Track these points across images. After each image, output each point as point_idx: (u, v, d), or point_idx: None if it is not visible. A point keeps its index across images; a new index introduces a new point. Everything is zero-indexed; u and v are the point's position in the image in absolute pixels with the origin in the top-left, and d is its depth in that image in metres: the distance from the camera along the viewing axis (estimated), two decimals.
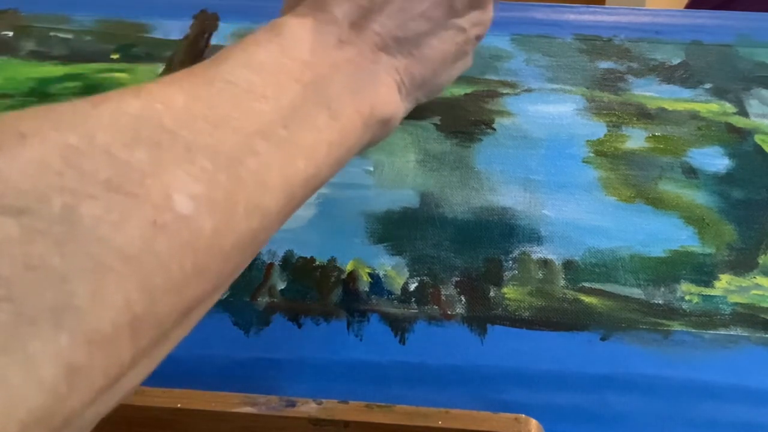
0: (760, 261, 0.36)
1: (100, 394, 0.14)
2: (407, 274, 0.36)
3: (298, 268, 0.36)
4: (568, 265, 0.36)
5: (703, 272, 0.36)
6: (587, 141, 0.43)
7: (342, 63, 0.23)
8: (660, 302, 0.35)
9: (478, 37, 0.29)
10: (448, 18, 0.26)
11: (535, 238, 0.37)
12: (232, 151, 0.18)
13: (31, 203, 0.14)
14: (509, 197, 0.40)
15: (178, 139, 0.17)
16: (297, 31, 0.22)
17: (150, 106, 0.17)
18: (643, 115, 0.45)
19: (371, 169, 0.41)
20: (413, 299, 0.35)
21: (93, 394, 0.14)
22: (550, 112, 0.45)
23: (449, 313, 0.34)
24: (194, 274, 0.16)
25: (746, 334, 0.33)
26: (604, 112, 0.45)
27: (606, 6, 0.57)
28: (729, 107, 0.46)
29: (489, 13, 0.29)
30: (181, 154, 0.16)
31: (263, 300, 0.35)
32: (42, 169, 0.14)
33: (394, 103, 0.25)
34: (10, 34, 0.48)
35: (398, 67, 0.25)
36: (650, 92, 0.47)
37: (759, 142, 0.43)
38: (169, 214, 0.15)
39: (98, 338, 0.14)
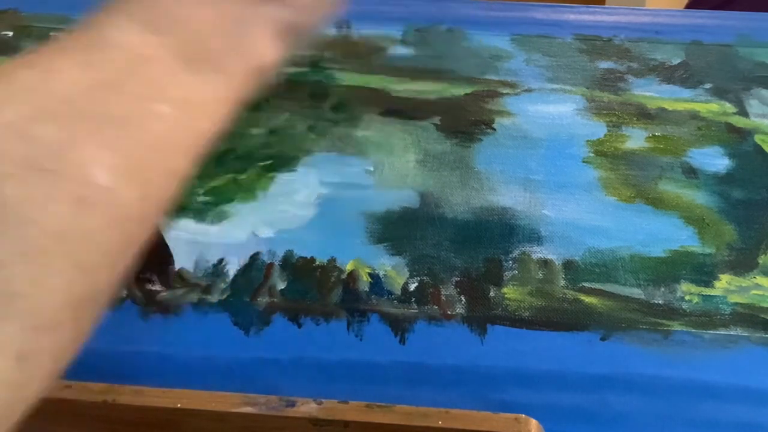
0: (760, 261, 0.36)
1: (51, 377, 0.14)
2: (407, 274, 0.36)
3: (298, 268, 0.36)
4: (568, 265, 0.36)
5: (703, 272, 0.36)
6: (587, 141, 0.43)
7: (219, 17, 0.22)
8: (660, 302, 0.35)
9: None
10: None
11: (535, 238, 0.37)
12: (137, 117, 0.17)
13: None
14: (509, 197, 0.39)
15: (83, 110, 0.16)
16: None
17: (46, 78, 0.16)
18: (643, 115, 0.45)
19: (371, 169, 0.41)
20: (413, 299, 0.35)
21: (45, 379, 0.14)
22: (550, 112, 0.45)
23: (449, 313, 0.34)
24: (127, 245, 0.16)
25: (746, 334, 0.33)
26: (604, 112, 0.45)
27: (606, 6, 0.57)
28: (729, 107, 0.46)
29: None
30: (89, 126, 0.16)
31: (263, 300, 0.35)
32: None
33: (275, 51, 0.25)
34: (10, 34, 0.48)
35: (275, 18, 0.25)
36: (650, 92, 0.47)
37: (759, 142, 0.43)
38: (90, 187, 0.15)
39: (43, 323, 0.14)
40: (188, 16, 0.21)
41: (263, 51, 0.24)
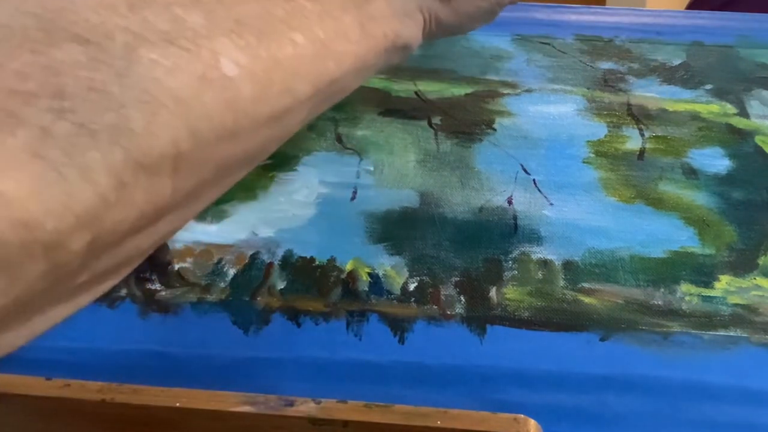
0: (760, 262, 0.36)
1: (137, 221, 0.15)
2: (407, 274, 0.36)
3: (297, 268, 0.36)
4: (568, 266, 0.36)
5: (703, 273, 0.36)
6: (588, 141, 0.43)
7: None
8: (660, 303, 0.35)
9: (512, 2, 0.31)
10: None
11: (535, 238, 0.37)
12: (275, 35, 0.19)
13: (99, 36, 0.15)
14: (509, 197, 0.39)
15: (231, 12, 0.18)
16: None
17: None
18: (644, 115, 0.45)
19: (371, 169, 0.41)
20: (413, 299, 0.35)
21: (133, 217, 0.15)
22: (550, 112, 0.45)
23: (449, 313, 0.34)
24: (231, 132, 0.17)
25: (746, 335, 0.33)
26: (605, 112, 0.45)
27: (607, 6, 0.57)
28: (730, 108, 0.46)
29: None
30: (231, 26, 0.18)
31: (263, 299, 0.35)
32: (110, 10, 0.16)
33: (415, 37, 0.27)
34: None
35: (430, 8, 0.27)
36: (651, 93, 0.47)
37: (759, 143, 0.43)
38: (216, 72, 0.17)
39: (146, 162, 0.15)
40: None
41: (409, 32, 0.26)
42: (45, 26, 0.15)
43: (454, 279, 0.35)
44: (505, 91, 0.47)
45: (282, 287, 0.35)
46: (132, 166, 0.15)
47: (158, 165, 0.15)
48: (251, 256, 0.37)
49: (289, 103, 0.20)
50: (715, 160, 0.42)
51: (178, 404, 0.27)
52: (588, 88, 0.47)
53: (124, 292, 0.35)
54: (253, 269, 0.36)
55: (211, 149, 0.17)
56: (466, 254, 0.37)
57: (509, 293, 0.35)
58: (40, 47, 0.15)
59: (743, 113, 0.45)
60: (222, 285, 0.35)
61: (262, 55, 0.19)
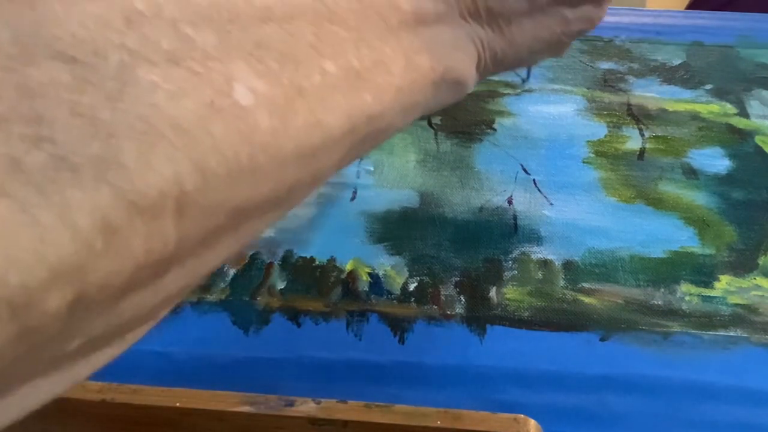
0: (760, 262, 0.36)
1: (135, 274, 0.13)
2: (407, 274, 0.36)
3: (297, 268, 0.36)
4: (568, 266, 0.36)
5: (703, 273, 0.36)
6: (588, 141, 0.43)
7: (431, 17, 0.22)
8: (660, 303, 0.34)
9: (581, 32, 0.28)
10: (553, 4, 0.25)
11: (535, 238, 0.37)
12: (301, 62, 0.17)
13: (87, 55, 0.13)
14: (509, 197, 0.39)
15: (249, 33, 0.16)
16: None
17: None
18: (644, 115, 0.45)
19: (371, 169, 0.41)
20: (413, 299, 0.35)
21: (128, 270, 0.13)
22: (550, 112, 0.45)
23: (449, 313, 0.34)
24: (250, 169, 0.15)
25: (746, 335, 0.33)
26: (605, 112, 0.45)
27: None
28: (730, 108, 0.46)
29: (602, 11, 0.27)
30: (249, 48, 0.16)
31: (263, 299, 0.35)
32: (103, 25, 0.14)
33: (469, 72, 0.24)
34: None
35: (483, 39, 0.24)
36: (651, 93, 0.47)
37: (759, 143, 0.43)
38: (228, 100, 0.15)
39: (141, 202, 0.13)
40: (410, 12, 0.21)
41: (461, 65, 0.23)
42: (21, 40, 0.13)
43: (454, 279, 0.35)
44: (505, 91, 0.47)
45: (282, 287, 0.35)
46: (124, 207, 0.12)
47: (158, 207, 0.13)
48: (251, 256, 0.37)
49: (318, 139, 0.17)
50: (715, 160, 0.42)
51: (178, 404, 0.27)
52: (588, 88, 0.47)
53: None
54: (253, 269, 0.36)
55: (224, 189, 0.14)
56: (466, 254, 0.37)
57: (509, 293, 0.35)
58: (12, 64, 0.12)
59: (743, 113, 0.45)
60: (222, 285, 0.35)
61: (284, 83, 0.16)
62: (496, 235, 0.37)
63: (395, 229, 0.38)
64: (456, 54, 0.23)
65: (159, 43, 0.14)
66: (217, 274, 0.36)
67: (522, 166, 0.41)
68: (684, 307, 0.34)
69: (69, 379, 0.15)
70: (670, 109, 0.46)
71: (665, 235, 0.37)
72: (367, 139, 0.19)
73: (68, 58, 0.13)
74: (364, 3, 0.20)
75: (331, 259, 0.36)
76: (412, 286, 0.35)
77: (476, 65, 0.24)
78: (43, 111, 0.12)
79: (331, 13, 0.19)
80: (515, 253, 0.37)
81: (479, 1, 0.24)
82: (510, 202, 0.39)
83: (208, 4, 0.16)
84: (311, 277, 0.36)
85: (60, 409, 0.28)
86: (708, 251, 0.37)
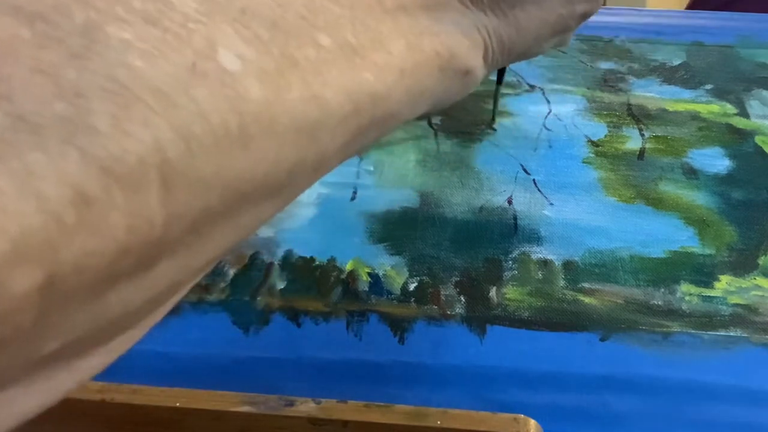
0: (760, 262, 0.36)
1: (118, 259, 0.11)
2: (407, 274, 0.36)
3: (297, 268, 0.36)
4: (568, 266, 0.36)
5: (703, 273, 0.36)
6: (588, 141, 0.43)
7: (430, 2, 0.21)
8: (660, 303, 0.34)
9: (585, 15, 0.27)
10: None
11: (535, 238, 0.37)
12: (292, 32, 0.15)
13: (48, 11, 0.12)
14: (509, 197, 0.39)
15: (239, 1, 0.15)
16: None
17: None
18: (644, 115, 0.45)
19: (371, 169, 0.41)
20: (413, 299, 0.35)
21: (110, 251, 0.11)
22: (550, 112, 0.45)
23: (449, 312, 0.34)
24: (240, 141, 0.13)
25: (746, 335, 0.33)
26: (605, 112, 0.45)
27: (607, 6, 0.57)
28: (730, 108, 0.46)
29: None
30: (235, 14, 0.14)
31: (263, 299, 0.35)
32: None
33: (476, 61, 0.23)
34: None
35: (487, 26, 0.23)
36: (651, 93, 0.47)
37: (759, 143, 0.43)
38: (212, 63, 0.13)
39: (118, 169, 0.11)
40: None
41: (467, 53, 0.22)
42: None
43: (454, 279, 0.35)
44: (505, 91, 0.47)
45: (282, 287, 0.35)
46: (97, 174, 0.11)
47: (138, 177, 0.11)
48: (251, 255, 0.37)
49: (316, 114, 0.15)
50: (715, 160, 0.42)
51: (178, 404, 0.27)
52: (588, 88, 0.47)
53: None
54: (253, 269, 0.36)
55: (213, 162, 0.13)
56: (466, 254, 0.37)
57: (509, 293, 0.35)
58: None
59: (743, 113, 0.45)
60: (222, 285, 0.35)
61: (274, 53, 0.15)
62: (496, 235, 0.37)
63: (395, 229, 0.38)
64: (462, 40, 0.22)
65: (131, 3, 0.13)
66: (217, 274, 0.36)
67: (522, 166, 0.41)
68: (684, 307, 0.34)
69: (50, 391, 0.13)
70: (670, 109, 0.46)
71: (665, 235, 0.37)
72: (373, 124, 0.18)
73: (28, 14, 0.12)
74: None
75: (331, 259, 0.36)
76: (412, 286, 0.35)
77: (483, 55, 0.23)
78: None
79: None
80: (515, 253, 0.37)
81: None
82: (510, 202, 0.39)
83: None
84: (311, 277, 0.36)
85: (60, 408, 0.28)
86: (708, 251, 0.37)
